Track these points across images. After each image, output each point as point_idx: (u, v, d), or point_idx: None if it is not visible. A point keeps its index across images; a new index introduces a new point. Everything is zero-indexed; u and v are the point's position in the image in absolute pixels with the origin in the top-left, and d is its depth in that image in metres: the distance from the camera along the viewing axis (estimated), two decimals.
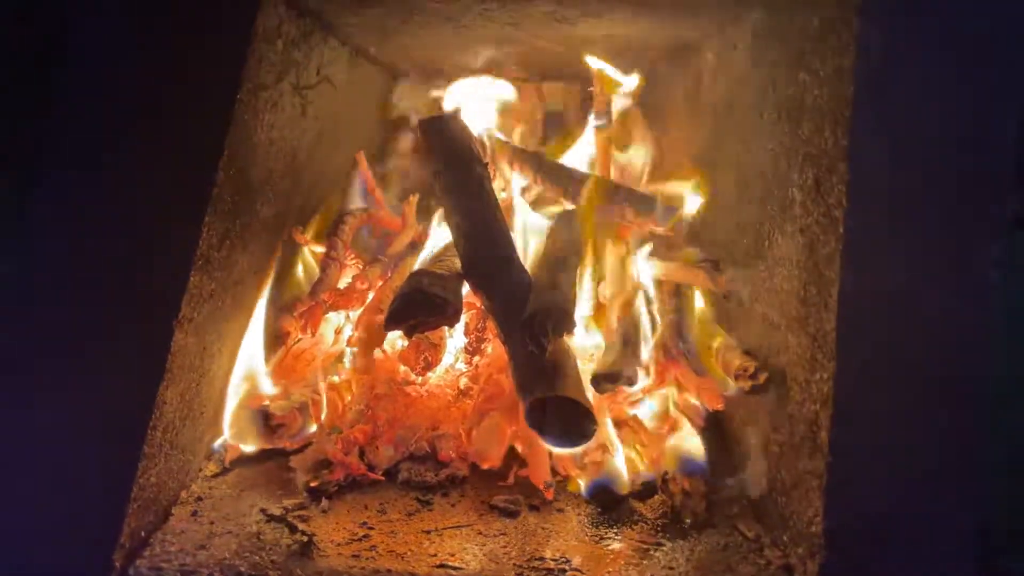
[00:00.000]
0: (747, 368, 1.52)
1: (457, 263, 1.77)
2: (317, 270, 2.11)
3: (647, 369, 1.80)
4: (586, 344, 2.03)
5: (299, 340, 1.95)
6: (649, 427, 1.76)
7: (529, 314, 1.49)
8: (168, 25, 1.38)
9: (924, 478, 1.22)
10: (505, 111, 2.62)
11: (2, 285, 1.34)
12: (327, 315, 2.02)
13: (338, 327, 2.10)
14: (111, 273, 1.34)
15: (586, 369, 1.73)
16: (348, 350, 2.02)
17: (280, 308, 1.93)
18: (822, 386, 1.26)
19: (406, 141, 2.73)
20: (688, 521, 1.49)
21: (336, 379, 1.93)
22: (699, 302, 1.92)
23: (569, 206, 2.10)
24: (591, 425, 1.42)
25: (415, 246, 2.32)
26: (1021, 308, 1.32)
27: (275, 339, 1.87)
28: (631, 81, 2.15)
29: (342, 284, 2.11)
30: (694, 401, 1.78)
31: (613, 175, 2.26)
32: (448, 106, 2.52)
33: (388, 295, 1.96)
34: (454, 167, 1.86)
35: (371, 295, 2.07)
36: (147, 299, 1.35)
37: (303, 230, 2.07)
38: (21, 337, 1.33)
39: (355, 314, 2.04)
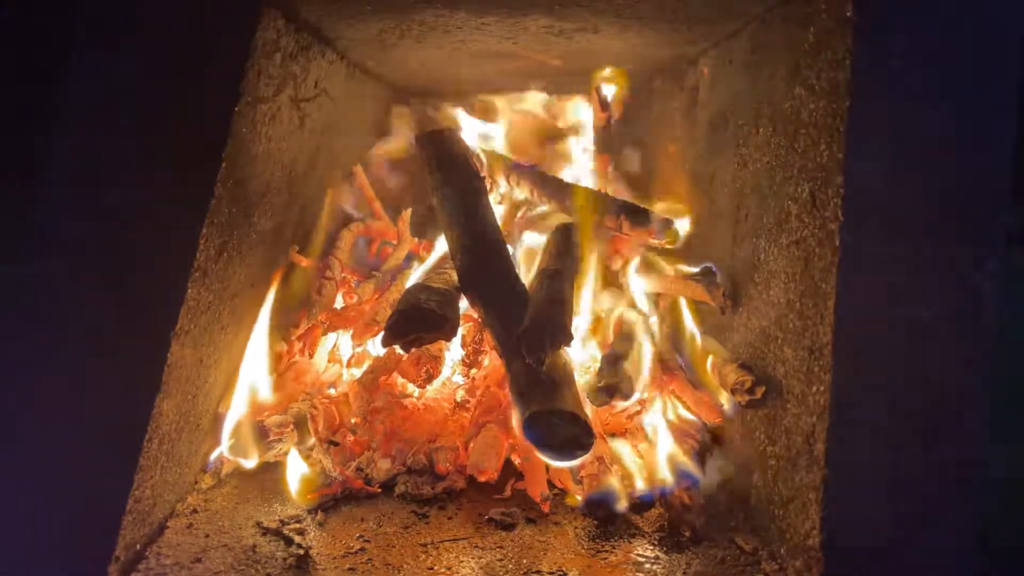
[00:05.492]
0: (744, 382, 1.52)
1: (454, 276, 1.77)
2: (316, 285, 2.11)
3: (644, 382, 1.80)
4: (583, 357, 2.03)
5: (296, 362, 1.95)
6: (647, 440, 1.76)
7: (526, 327, 1.49)
8: (168, 37, 1.38)
9: (922, 490, 1.22)
10: (503, 126, 2.63)
11: (0, 296, 1.34)
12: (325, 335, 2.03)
13: (334, 346, 2.10)
14: (108, 285, 1.33)
15: (583, 382, 1.73)
16: (345, 371, 2.03)
17: (279, 327, 1.93)
18: (819, 398, 1.26)
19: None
20: (686, 534, 1.48)
21: (334, 392, 1.92)
22: (694, 316, 1.93)
23: (566, 219, 2.11)
24: (588, 438, 1.42)
25: (411, 259, 2.33)
26: (1017, 322, 1.33)
27: (274, 358, 1.87)
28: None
29: (339, 303, 2.12)
30: (691, 415, 1.78)
31: (610, 189, 2.28)
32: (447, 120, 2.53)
33: (386, 309, 1.97)
34: (451, 181, 1.87)
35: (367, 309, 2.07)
36: (144, 311, 1.34)
37: (300, 248, 2.07)
38: (18, 348, 1.32)
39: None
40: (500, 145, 2.56)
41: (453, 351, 2.00)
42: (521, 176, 2.30)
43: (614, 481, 1.57)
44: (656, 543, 1.48)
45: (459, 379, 2.01)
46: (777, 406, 1.43)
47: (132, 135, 1.37)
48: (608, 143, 2.32)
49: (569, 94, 2.70)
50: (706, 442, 1.74)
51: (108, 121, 1.38)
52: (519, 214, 2.38)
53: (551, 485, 1.64)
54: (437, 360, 1.85)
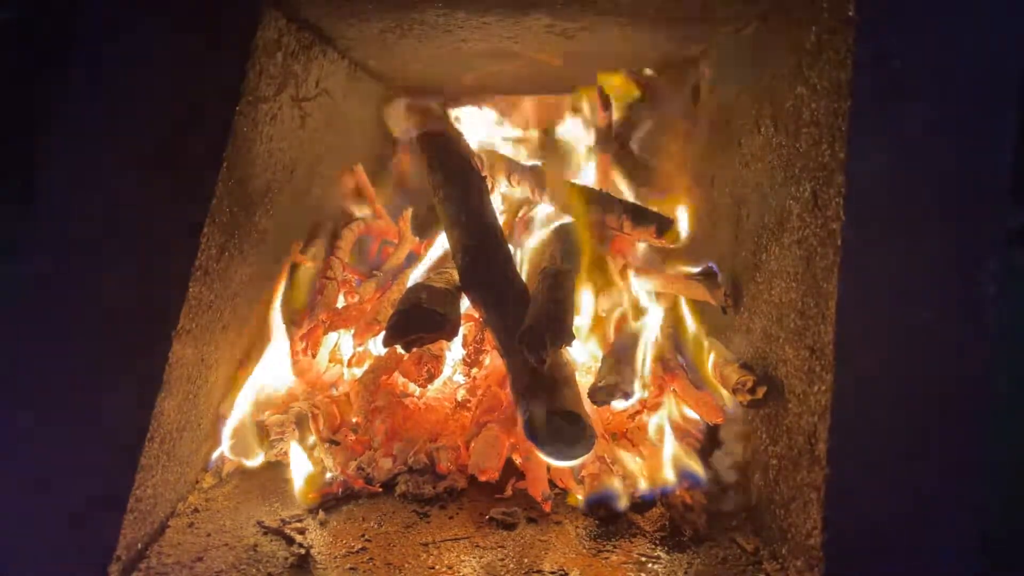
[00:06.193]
0: (745, 382, 1.52)
1: (456, 276, 1.77)
2: (317, 285, 2.11)
3: (645, 382, 1.80)
4: (584, 357, 2.03)
5: (297, 361, 1.95)
6: (648, 440, 1.76)
7: (527, 326, 1.49)
8: (169, 36, 1.38)
9: (923, 490, 1.22)
10: (504, 125, 2.63)
11: (1, 296, 1.34)
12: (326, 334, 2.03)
13: (335, 345, 2.10)
14: (110, 284, 1.33)
15: (584, 382, 1.73)
16: (347, 370, 2.03)
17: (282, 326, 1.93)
18: (820, 398, 1.26)
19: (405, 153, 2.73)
20: (687, 534, 1.48)
21: (335, 391, 1.92)
22: (696, 315, 1.93)
23: (567, 219, 2.11)
24: (589, 438, 1.42)
25: (412, 259, 2.33)
26: (1017, 322, 1.33)
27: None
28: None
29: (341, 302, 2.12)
30: (692, 415, 1.78)
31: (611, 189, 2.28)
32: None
33: (387, 308, 1.97)
34: (453, 180, 1.87)
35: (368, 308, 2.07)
36: (145, 310, 1.35)
37: (302, 246, 2.08)
38: (19, 347, 1.33)
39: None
40: (501, 144, 2.56)
41: (454, 350, 2.00)
42: (522, 176, 2.30)
43: (615, 481, 1.57)
44: (658, 543, 1.48)
45: (460, 378, 2.01)
46: (779, 406, 1.43)
47: (133, 134, 1.37)
48: (609, 142, 2.32)
49: (571, 92, 2.70)
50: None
51: (109, 120, 1.38)
52: (520, 214, 2.38)
53: (552, 485, 1.64)
54: (438, 359, 1.85)
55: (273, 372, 1.82)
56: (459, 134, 2.10)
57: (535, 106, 2.91)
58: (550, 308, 1.58)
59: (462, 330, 1.83)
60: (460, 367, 1.99)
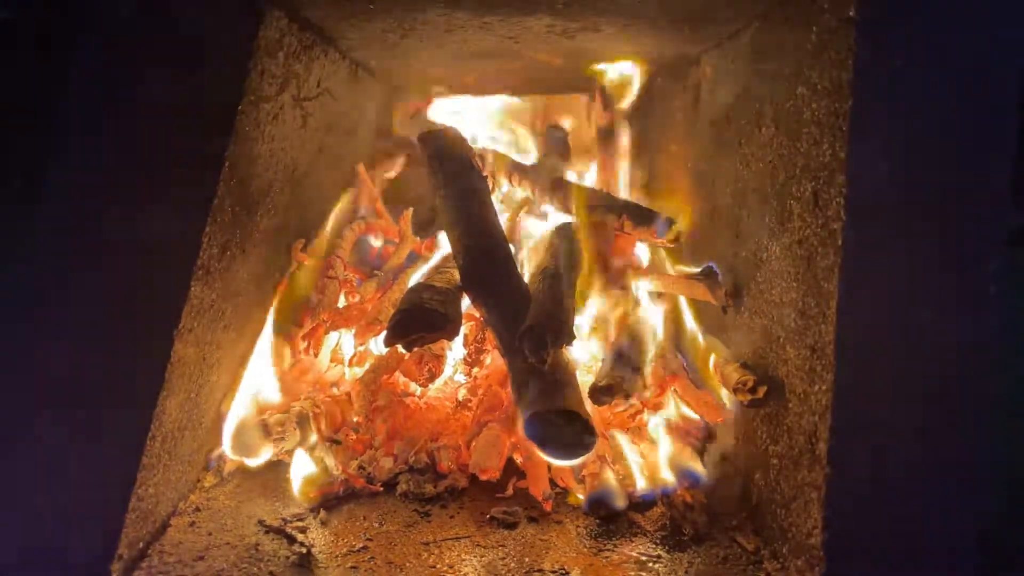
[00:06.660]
0: (746, 382, 1.52)
1: (457, 275, 1.77)
2: (319, 285, 2.11)
3: (646, 382, 1.80)
4: (585, 356, 2.03)
5: (299, 360, 1.95)
6: (649, 439, 1.76)
7: (528, 326, 1.49)
8: (171, 36, 1.39)
9: (924, 490, 1.22)
10: (505, 125, 2.63)
11: (3, 295, 1.34)
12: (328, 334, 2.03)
13: (336, 345, 2.10)
14: (111, 283, 1.33)
15: (585, 381, 1.73)
16: (347, 370, 2.03)
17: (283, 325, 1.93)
18: (821, 398, 1.26)
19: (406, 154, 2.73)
20: (688, 533, 1.49)
21: (336, 391, 1.93)
22: (696, 315, 1.93)
23: (568, 218, 2.11)
24: (590, 437, 1.42)
25: (413, 259, 2.33)
26: (1017, 322, 1.33)
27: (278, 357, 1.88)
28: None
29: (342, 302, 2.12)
30: (693, 415, 1.78)
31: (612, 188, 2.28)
32: (449, 120, 2.53)
33: (388, 308, 1.97)
34: (454, 180, 1.87)
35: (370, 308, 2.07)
36: (147, 309, 1.35)
37: (303, 245, 2.08)
38: (21, 346, 1.33)
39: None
40: (501, 144, 2.56)
41: (455, 350, 2.00)
42: (523, 175, 2.30)
43: (616, 480, 1.57)
44: (658, 542, 1.48)
45: (461, 378, 2.01)
46: (779, 405, 1.43)
47: (135, 133, 1.38)
48: (610, 142, 2.32)
49: (572, 92, 2.71)
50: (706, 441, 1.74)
51: (111, 121, 1.38)
52: (521, 213, 2.38)
53: (553, 484, 1.64)
54: (439, 359, 1.86)
55: (274, 372, 1.82)
56: (460, 134, 2.10)
57: (536, 106, 2.91)
58: (551, 307, 1.59)
59: (463, 329, 1.83)
60: (461, 366, 1.99)
